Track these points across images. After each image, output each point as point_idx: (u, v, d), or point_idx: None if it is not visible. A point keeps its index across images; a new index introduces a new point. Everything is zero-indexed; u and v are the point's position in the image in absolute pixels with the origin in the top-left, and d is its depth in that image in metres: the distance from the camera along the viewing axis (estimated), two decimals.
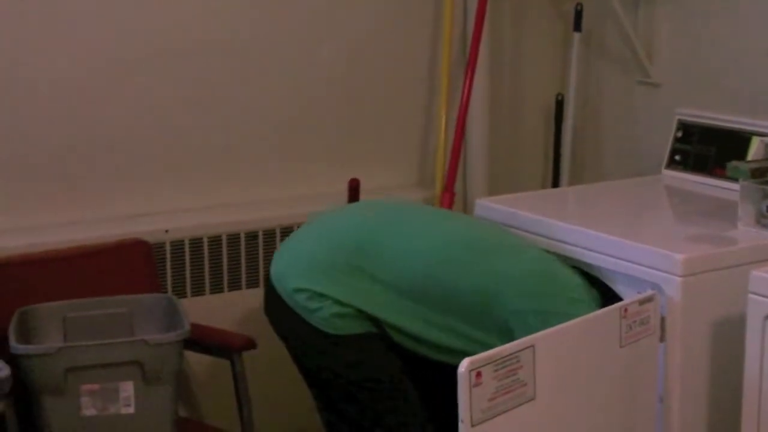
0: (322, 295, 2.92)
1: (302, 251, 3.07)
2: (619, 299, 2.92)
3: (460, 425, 2.40)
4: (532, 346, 2.52)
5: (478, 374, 2.41)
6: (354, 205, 3.53)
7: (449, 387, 2.94)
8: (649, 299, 2.81)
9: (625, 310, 2.78)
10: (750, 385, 2.66)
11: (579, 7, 4.11)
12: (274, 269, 3.07)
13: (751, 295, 2.65)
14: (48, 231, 3.50)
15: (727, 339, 2.85)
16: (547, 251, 3.08)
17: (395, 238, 3.02)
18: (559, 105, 4.20)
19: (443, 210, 3.81)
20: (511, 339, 2.64)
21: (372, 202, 3.42)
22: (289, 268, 3.04)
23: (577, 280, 3.01)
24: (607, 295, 3.00)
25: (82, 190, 3.61)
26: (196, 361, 3.49)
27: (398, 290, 2.95)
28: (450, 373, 2.75)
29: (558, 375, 2.61)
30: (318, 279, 2.96)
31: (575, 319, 2.68)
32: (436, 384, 3.02)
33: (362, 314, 2.93)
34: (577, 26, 4.13)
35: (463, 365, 2.38)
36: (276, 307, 3.04)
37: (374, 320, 2.94)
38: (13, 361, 2.99)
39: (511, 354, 2.48)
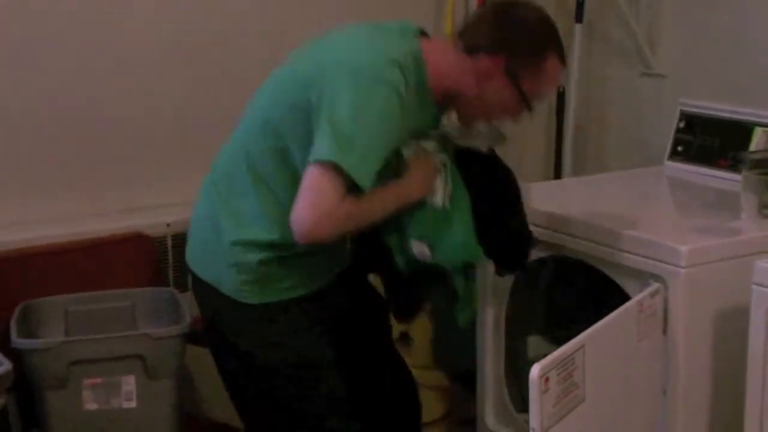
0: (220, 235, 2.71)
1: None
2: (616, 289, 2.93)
3: None
4: (583, 346, 2.52)
5: (546, 379, 2.39)
6: None
7: None
8: (656, 292, 2.81)
9: (641, 304, 2.79)
10: (753, 376, 2.66)
11: None
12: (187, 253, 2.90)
13: (754, 286, 2.64)
14: (49, 225, 3.49)
15: (731, 330, 2.85)
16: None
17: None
18: (561, 96, 4.19)
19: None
20: None
21: None
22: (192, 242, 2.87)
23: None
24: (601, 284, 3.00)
25: (83, 184, 3.60)
26: (198, 354, 3.47)
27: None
28: None
29: (598, 374, 2.60)
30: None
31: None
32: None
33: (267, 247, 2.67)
34: (579, 17, 4.12)
35: (534, 372, 2.34)
36: (198, 291, 2.86)
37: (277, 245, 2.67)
38: (15, 355, 2.99)
39: (570, 355, 2.47)
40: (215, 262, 2.73)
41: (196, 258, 2.82)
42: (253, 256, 2.67)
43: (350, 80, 2.54)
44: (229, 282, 2.70)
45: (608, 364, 2.68)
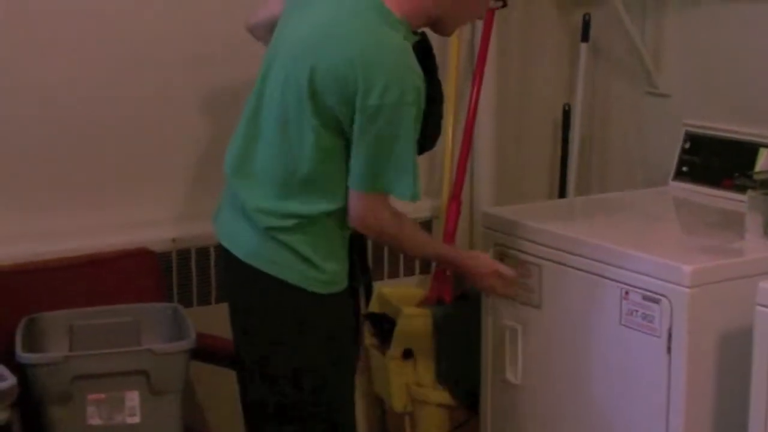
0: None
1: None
2: None
3: None
4: (540, 267, 3.17)
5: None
6: None
7: None
8: (654, 300, 2.85)
9: (626, 293, 2.93)
10: (757, 398, 2.66)
11: (587, 17, 4.10)
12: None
13: (758, 307, 2.64)
14: (54, 239, 3.50)
15: (735, 351, 2.85)
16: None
17: None
18: (567, 115, 4.19)
19: None
20: None
21: None
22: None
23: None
24: None
25: (87, 198, 3.60)
26: (203, 370, 3.48)
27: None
28: None
29: (555, 302, 3.18)
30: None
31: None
32: None
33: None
34: (585, 36, 4.12)
35: None
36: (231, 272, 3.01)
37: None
38: (19, 369, 2.99)
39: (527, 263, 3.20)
40: None
41: None
42: None
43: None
44: None
45: (568, 308, 3.15)
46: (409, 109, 2.70)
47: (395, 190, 2.78)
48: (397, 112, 2.70)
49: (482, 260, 3.19)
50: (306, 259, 2.84)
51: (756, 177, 3.16)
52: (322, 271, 2.86)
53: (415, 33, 2.85)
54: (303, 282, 2.85)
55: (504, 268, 3.17)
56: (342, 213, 2.84)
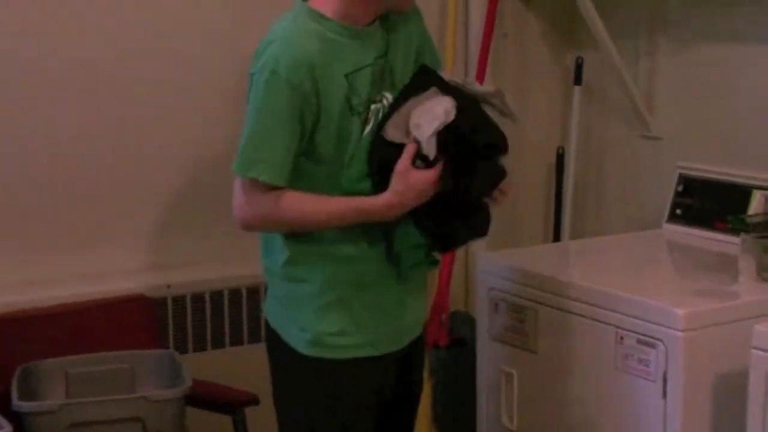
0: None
1: None
2: None
3: None
4: (536, 311, 3.19)
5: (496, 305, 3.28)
6: None
7: None
8: (649, 344, 2.86)
9: (621, 338, 2.92)
10: None
11: (579, 61, 4.12)
12: None
13: (753, 351, 2.65)
14: (49, 286, 3.50)
15: (730, 394, 2.84)
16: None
17: None
18: (560, 158, 4.20)
19: None
20: None
21: None
22: None
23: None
24: None
25: (83, 245, 3.61)
26: (198, 417, 3.47)
27: None
28: None
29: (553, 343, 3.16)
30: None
31: None
32: None
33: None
34: (578, 79, 4.14)
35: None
36: None
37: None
38: (15, 418, 2.99)
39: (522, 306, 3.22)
40: None
41: None
42: None
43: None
44: None
45: (564, 353, 3.12)
46: (273, 79, 2.56)
47: (251, 170, 2.60)
48: (259, 80, 2.59)
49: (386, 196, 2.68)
50: (289, 314, 2.77)
51: (749, 220, 3.17)
52: (304, 330, 2.73)
53: (370, 24, 2.72)
54: (290, 339, 2.76)
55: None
56: (320, 269, 2.72)
